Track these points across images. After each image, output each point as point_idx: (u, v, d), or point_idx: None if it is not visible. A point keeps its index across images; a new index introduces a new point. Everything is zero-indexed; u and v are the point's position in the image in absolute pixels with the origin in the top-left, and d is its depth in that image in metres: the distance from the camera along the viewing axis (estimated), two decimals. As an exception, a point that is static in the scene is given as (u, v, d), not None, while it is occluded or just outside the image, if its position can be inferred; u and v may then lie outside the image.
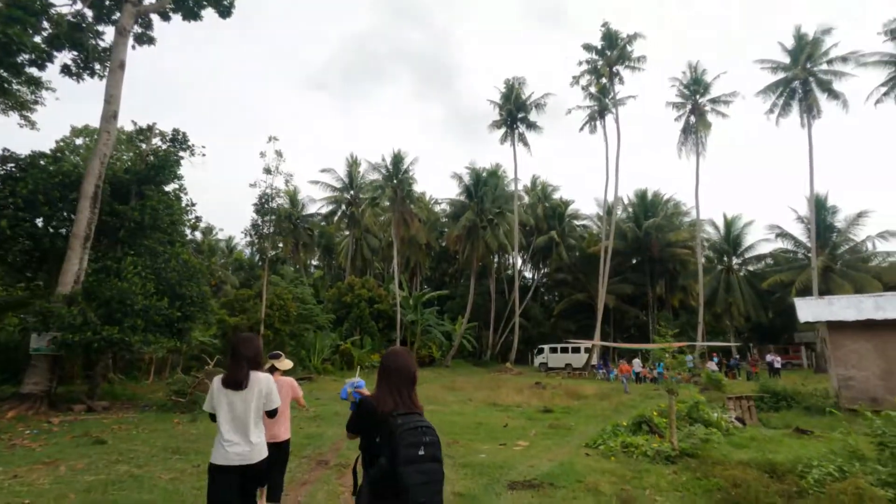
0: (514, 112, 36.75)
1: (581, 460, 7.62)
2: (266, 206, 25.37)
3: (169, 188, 17.87)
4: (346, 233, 47.97)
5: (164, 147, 17.82)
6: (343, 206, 45.20)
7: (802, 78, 32.54)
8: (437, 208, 50.36)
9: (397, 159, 35.11)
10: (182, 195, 18.74)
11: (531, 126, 37.32)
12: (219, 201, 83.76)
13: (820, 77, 32.33)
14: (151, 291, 14.14)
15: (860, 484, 4.45)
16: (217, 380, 3.20)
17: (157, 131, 18.52)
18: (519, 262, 42.27)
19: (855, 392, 12.79)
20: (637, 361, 25.53)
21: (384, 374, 2.31)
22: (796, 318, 38.69)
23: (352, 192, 44.35)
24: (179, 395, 13.64)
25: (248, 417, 3.14)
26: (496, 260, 47.54)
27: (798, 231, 37.70)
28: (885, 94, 32.39)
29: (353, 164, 44.38)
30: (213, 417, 3.21)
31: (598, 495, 5.54)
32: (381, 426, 2.12)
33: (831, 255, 35.56)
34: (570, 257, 44.68)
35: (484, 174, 38.85)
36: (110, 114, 14.51)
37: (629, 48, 33.54)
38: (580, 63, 35.14)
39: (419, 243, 44.17)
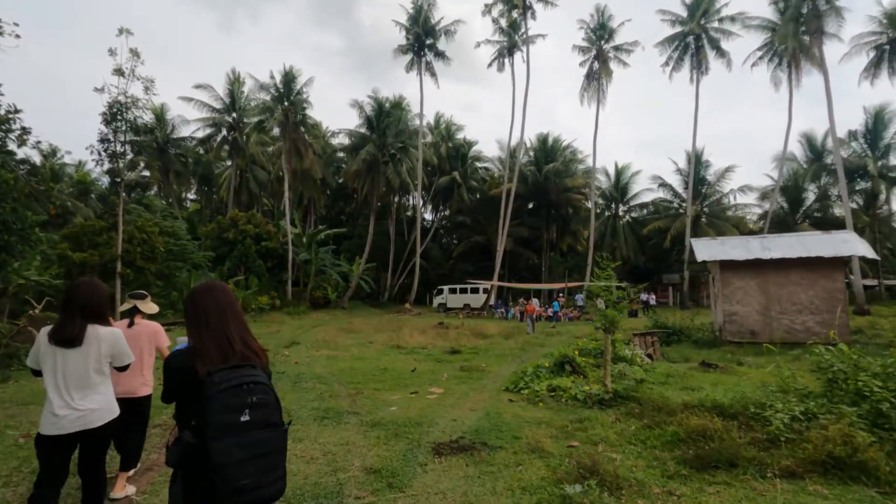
0: (423, 37, 33.86)
1: (507, 408, 6.69)
2: (119, 116, 20.61)
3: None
4: (229, 163, 42.38)
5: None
6: (224, 131, 39.45)
7: (697, 33, 33.93)
8: (335, 141, 46.39)
9: (289, 78, 30.74)
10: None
11: (439, 55, 34.86)
12: (77, 128, 69.76)
13: (711, 34, 33.97)
14: (-65, 211, 10.35)
15: (849, 431, 3.86)
16: (44, 332, 2.76)
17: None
18: (420, 201, 40.77)
19: (737, 326, 13.68)
20: (535, 301, 26.13)
21: (198, 318, 1.77)
22: (665, 261, 42.63)
23: (234, 115, 38.70)
24: (-11, 347, 10.43)
25: (84, 379, 2.74)
26: (396, 200, 45.69)
27: (676, 182, 40.99)
28: (760, 58, 35.23)
29: (235, 82, 38.43)
30: (35, 373, 2.81)
31: (546, 456, 4.52)
32: (195, 387, 1.61)
33: (701, 205, 39.26)
34: (471, 199, 44.34)
35: (387, 105, 35.92)
36: None
37: (544, -21, 32.09)
38: (494, -10, 33.01)
39: (314, 178, 40.42)
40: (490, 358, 12.62)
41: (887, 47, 31.30)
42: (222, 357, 1.68)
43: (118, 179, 21.34)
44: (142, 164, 40.16)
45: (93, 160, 21.39)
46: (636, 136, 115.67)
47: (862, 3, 32.82)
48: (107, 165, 21.05)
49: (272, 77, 31.11)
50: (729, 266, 13.75)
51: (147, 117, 21.49)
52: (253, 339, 1.84)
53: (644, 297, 30.03)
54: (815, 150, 40.04)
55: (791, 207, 38.96)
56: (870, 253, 12.65)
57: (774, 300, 13.32)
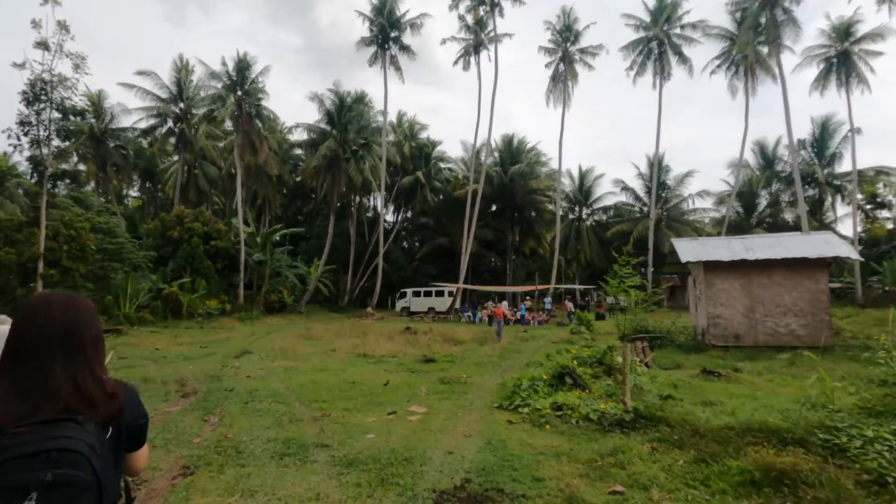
0: (387, 29, 32.46)
1: (510, 434, 5.57)
2: (43, 95, 18.16)
3: None
4: (176, 157, 39.35)
5: None
6: (170, 122, 36.51)
7: (660, 38, 34.32)
8: (293, 138, 44.12)
9: (243, 65, 28.59)
10: None
11: (405, 49, 33.58)
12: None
13: (674, 40, 34.44)
14: None
15: None
16: None
17: None
18: (382, 200, 39.24)
19: (721, 329, 13.19)
20: (504, 304, 25.26)
21: (6, 348, 1.24)
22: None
23: (181, 105, 35.87)
24: None
25: None
26: (357, 199, 43.99)
27: (638, 186, 41.49)
28: (718, 66, 36.09)
29: (183, 70, 35.66)
30: None
31: (589, 510, 3.42)
32: None
33: (662, 209, 39.83)
34: (435, 200, 43.26)
35: (349, 99, 34.29)
36: None
37: (513, -25, 31.49)
38: (462, -17, 32.12)
39: (269, 174, 38.15)
40: (469, 367, 11.48)
41: (835, 60, 32.67)
42: (29, 408, 1.16)
43: (42, 168, 18.92)
44: (75, 156, 36.91)
45: (11, 145, 18.88)
46: (597, 139, 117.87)
47: (811, 22, 34.19)
48: (27, 152, 18.64)
49: (224, 64, 28.89)
50: (712, 267, 13.27)
51: (77, 98, 19.15)
52: (97, 378, 1.26)
53: (610, 300, 29.80)
54: (767, 158, 41.50)
55: (746, 212, 40.15)
56: (853, 254, 12.47)
57: (759, 302, 12.91)
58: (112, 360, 11.53)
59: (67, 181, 33.49)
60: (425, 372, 10.77)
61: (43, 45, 18.04)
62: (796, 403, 5.47)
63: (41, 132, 18.32)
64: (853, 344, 13.26)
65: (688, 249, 13.78)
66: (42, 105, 18.33)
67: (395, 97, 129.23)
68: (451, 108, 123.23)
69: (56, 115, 18.89)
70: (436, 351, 13.78)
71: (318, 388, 8.77)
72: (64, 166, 26.00)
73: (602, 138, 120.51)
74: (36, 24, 18.66)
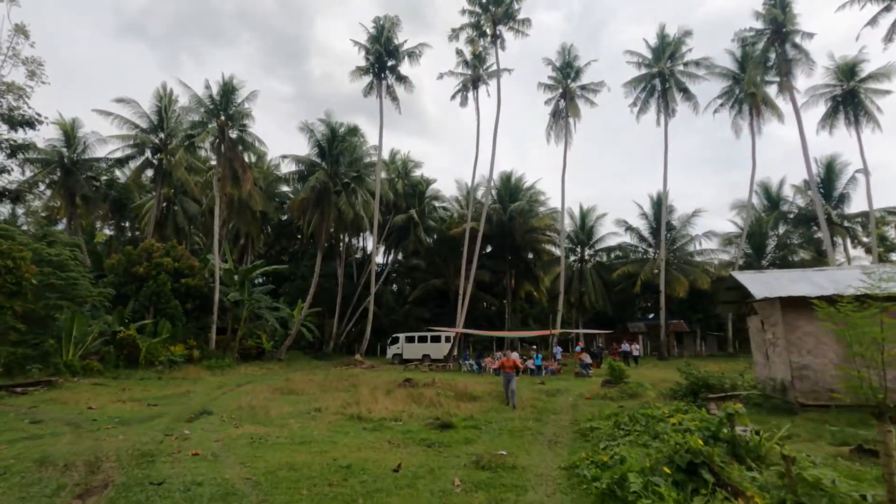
0: (384, 58, 30.98)
1: None
2: (-16, 103, 15.60)
3: None
4: (153, 193, 36.58)
5: None
6: (147, 153, 33.99)
7: (664, 75, 33.45)
8: (281, 171, 41.83)
9: (227, 89, 26.51)
10: None
11: (401, 79, 32.05)
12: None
13: (678, 77, 33.60)
14: None
15: None
16: None
17: None
18: (375, 237, 36.63)
19: (810, 384, 10.51)
20: (514, 354, 22.19)
21: None
22: (631, 308, 40.70)
23: (161, 136, 33.47)
24: None
25: None
26: (346, 239, 41.40)
27: (642, 226, 39.67)
28: (722, 105, 35.29)
29: (165, 99, 33.50)
30: None
31: None
32: None
33: (669, 249, 37.82)
34: (427, 240, 40.84)
35: (342, 130, 32.34)
36: None
37: (516, 5, 30.52)
38: (463, 12, 31.05)
39: (253, 210, 35.51)
40: (502, 437, 8.53)
41: (841, 98, 31.94)
42: None
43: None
44: (41, 186, 33.93)
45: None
46: (590, 178, 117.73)
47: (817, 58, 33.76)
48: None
49: (208, 87, 26.79)
50: (793, 305, 10.74)
51: (27, 107, 16.57)
52: None
53: (626, 346, 27.02)
54: (772, 199, 40.27)
55: (756, 254, 38.36)
56: (973, 288, 10.08)
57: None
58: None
59: (27, 209, 30.37)
60: (446, 445, 7.80)
61: (-9, 46, 15.73)
62: None
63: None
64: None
65: (758, 284, 11.28)
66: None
67: (385, 141, 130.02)
68: (437, 158, 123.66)
69: (2, 127, 16.32)
70: (450, 412, 10.78)
71: (296, 479, 5.78)
72: (8, 185, 23.13)
73: (595, 177, 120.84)
74: (-11, 27, 16.44)
